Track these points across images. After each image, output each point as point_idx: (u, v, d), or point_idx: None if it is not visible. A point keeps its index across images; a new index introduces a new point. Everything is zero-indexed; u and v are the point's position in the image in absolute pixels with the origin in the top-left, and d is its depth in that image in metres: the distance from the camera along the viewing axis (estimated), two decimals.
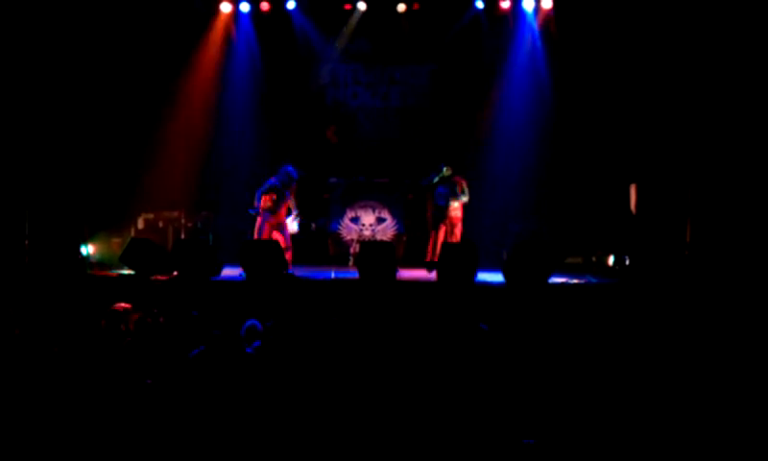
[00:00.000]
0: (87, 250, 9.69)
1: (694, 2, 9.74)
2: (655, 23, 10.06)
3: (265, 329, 5.10)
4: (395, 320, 6.43)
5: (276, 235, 9.11)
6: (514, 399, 3.96)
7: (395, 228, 11.36)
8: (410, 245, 11.28)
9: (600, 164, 10.86)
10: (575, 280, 8.69)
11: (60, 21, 9.98)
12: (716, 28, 9.51)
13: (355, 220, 11.40)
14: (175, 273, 8.47)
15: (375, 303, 7.80)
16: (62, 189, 9.95)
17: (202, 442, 3.66)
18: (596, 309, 7.48)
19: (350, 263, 10.64)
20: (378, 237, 11.14)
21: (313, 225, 11.43)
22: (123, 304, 5.88)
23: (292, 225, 9.33)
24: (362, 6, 11.30)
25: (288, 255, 8.89)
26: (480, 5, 11.26)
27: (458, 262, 8.30)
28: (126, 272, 8.63)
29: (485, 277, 8.66)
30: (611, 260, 10.25)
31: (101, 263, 9.67)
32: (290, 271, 8.85)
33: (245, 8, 11.42)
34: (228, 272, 8.87)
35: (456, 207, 9.63)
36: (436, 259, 9.13)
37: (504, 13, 11.29)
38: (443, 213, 9.64)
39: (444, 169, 9.65)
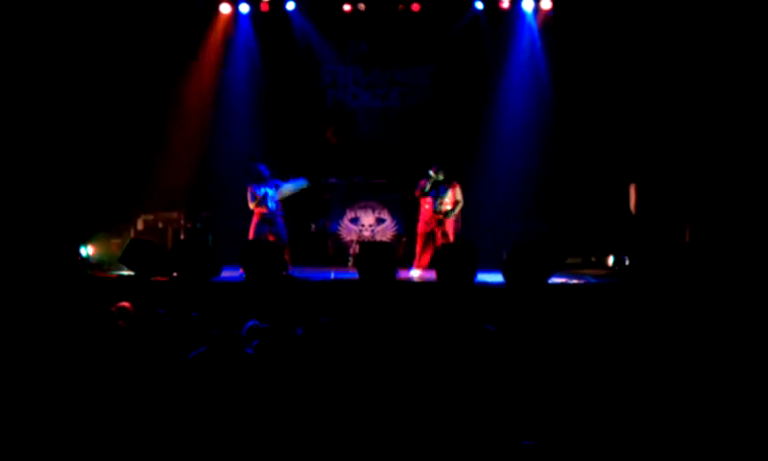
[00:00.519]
0: (87, 251, 9.68)
1: (694, 2, 9.75)
2: (654, 23, 10.07)
3: (263, 331, 5.10)
4: (394, 321, 6.43)
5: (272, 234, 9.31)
6: (513, 399, 3.96)
7: (394, 228, 11.36)
8: (410, 246, 11.26)
9: (600, 164, 10.86)
10: (575, 281, 8.68)
11: (60, 22, 9.99)
12: (716, 28, 9.52)
13: (355, 221, 11.40)
14: (174, 274, 8.47)
15: (375, 304, 7.79)
16: (62, 190, 9.94)
17: (202, 442, 3.66)
18: (596, 310, 7.48)
19: (350, 264, 10.63)
20: (378, 238, 11.14)
21: (313, 226, 11.43)
22: (123, 304, 5.88)
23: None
24: (362, 7, 11.31)
25: (286, 254, 8.97)
26: (479, 5, 11.27)
27: (457, 263, 8.30)
28: (125, 273, 8.62)
29: (485, 277, 8.66)
30: (610, 260, 10.25)
31: (100, 264, 9.67)
32: (290, 271, 8.87)
33: (244, 9, 11.43)
34: (228, 273, 8.87)
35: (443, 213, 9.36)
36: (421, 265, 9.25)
37: (503, 14, 11.31)
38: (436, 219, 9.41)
39: (432, 173, 9.36)
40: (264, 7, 11.42)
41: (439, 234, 9.34)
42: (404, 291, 8.40)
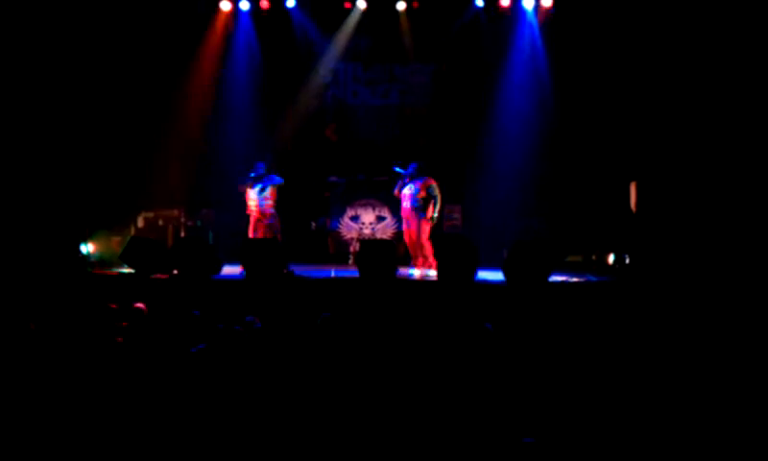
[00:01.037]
0: (87, 248, 9.69)
1: (694, 1, 9.75)
2: (655, 21, 10.06)
3: (258, 329, 5.10)
4: (395, 318, 6.42)
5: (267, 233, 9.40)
6: (513, 397, 3.96)
7: (395, 226, 11.36)
8: None
9: (600, 162, 10.86)
10: (575, 279, 8.68)
11: (60, 21, 9.98)
12: (716, 27, 9.51)
13: (355, 218, 11.40)
14: (175, 271, 8.47)
15: (375, 302, 7.79)
16: (62, 188, 9.94)
17: (202, 442, 3.66)
18: (596, 308, 7.48)
19: (350, 262, 10.64)
20: (378, 236, 11.15)
21: (313, 223, 11.44)
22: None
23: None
24: (362, 4, 11.31)
25: None
26: (480, 3, 11.28)
27: (458, 260, 8.29)
28: (126, 270, 8.62)
29: (485, 275, 8.66)
30: (611, 259, 10.25)
31: (101, 262, 9.67)
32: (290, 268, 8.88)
33: (245, 6, 11.43)
34: (229, 270, 8.87)
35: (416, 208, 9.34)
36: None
37: (504, 11, 11.30)
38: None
39: (402, 169, 9.38)
40: (264, 4, 11.42)
41: (412, 231, 9.33)
42: (405, 289, 8.40)
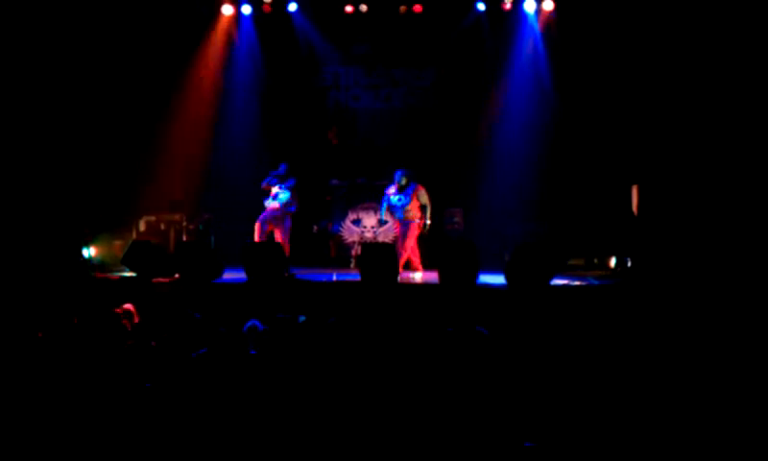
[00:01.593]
0: (89, 252, 9.69)
1: (695, 3, 9.74)
2: (656, 24, 10.05)
3: (263, 332, 5.10)
4: (397, 322, 6.42)
5: (276, 234, 9.48)
6: (515, 401, 3.95)
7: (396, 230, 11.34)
8: None
9: (602, 165, 10.85)
10: (577, 282, 8.67)
11: (63, 23, 10.00)
12: (717, 29, 9.50)
13: (357, 222, 11.40)
14: (176, 275, 8.47)
15: (377, 305, 7.79)
16: (64, 192, 9.95)
17: (203, 442, 3.66)
18: (598, 311, 7.47)
19: (352, 265, 10.63)
20: (380, 239, 11.14)
21: (315, 227, 11.44)
22: (126, 306, 5.89)
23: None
24: (363, 8, 11.32)
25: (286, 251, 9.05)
26: (481, 7, 11.28)
27: (460, 264, 8.29)
28: (128, 274, 8.63)
29: (487, 278, 8.65)
30: (612, 262, 10.23)
31: (103, 266, 9.68)
32: (291, 271, 8.88)
33: (246, 10, 11.45)
34: (230, 274, 8.87)
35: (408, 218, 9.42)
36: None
37: (506, 15, 11.31)
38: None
39: (398, 177, 9.45)
40: (266, 8, 11.44)
41: (401, 242, 9.43)
42: (406, 292, 8.39)
